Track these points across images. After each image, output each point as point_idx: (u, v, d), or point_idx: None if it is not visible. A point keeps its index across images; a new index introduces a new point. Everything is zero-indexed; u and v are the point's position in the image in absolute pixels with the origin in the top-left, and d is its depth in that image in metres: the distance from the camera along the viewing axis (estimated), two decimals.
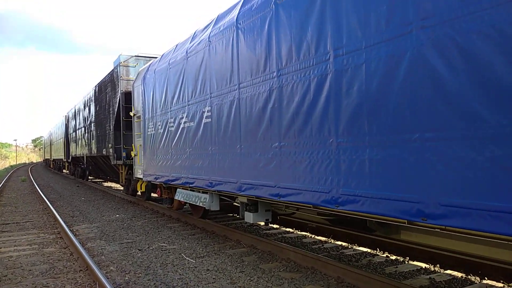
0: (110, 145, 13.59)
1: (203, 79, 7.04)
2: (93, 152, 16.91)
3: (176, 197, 8.49)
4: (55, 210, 11.32)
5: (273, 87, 5.18)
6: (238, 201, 7.20)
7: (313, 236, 7.44)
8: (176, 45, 8.75)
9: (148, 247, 7.11)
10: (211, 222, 8.60)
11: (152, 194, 12.98)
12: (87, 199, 14.94)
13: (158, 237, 7.95)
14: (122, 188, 18.64)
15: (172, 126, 8.39)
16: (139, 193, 13.44)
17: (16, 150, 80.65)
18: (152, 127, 9.53)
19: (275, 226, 8.71)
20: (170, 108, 8.47)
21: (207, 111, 6.91)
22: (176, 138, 8.16)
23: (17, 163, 66.10)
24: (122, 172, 12.75)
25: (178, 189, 8.52)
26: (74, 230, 8.80)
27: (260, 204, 6.01)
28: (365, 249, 6.46)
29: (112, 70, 13.05)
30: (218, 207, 7.18)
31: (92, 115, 17.05)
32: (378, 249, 6.33)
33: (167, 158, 8.63)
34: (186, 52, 7.70)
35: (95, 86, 16.20)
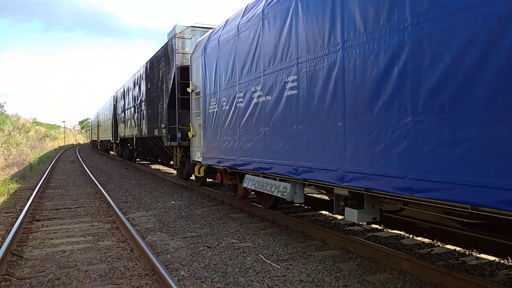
0: (163, 125, 12.63)
1: (286, 41, 5.71)
2: (143, 133, 16.10)
3: (244, 185, 7.30)
4: (107, 194, 10.51)
5: (404, 41, 3.77)
6: (329, 194, 5.90)
7: (435, 242, 5.88)
8: (246, 7, 7.44)
9: (218, 244, 5.98)
10: (282, 215, 7.37)
11: (208, 179, 11.95)
12: (137, 182, 14.18)
13: (225, 231, 6.82)
14: (173, 171, 17.85)
15: (242, 102, 7.15)
16: (192, 177, 12.45)
17: (65, 132, 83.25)
18: (215, 104, 8.36)
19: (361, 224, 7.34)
20: (239, 80, 7.22)
21: (292, 81, 5.59)
22: (247, 115, 6.92)
23: (65, 144, 68.08)
24: (176, 155, 11.75)
25: (246, 176, 7.32)
26: (130, 218, 7.85)
27: (367, 198, 4.68)
28: None
29: (166, 43, 11.97)
30: (303, 199, 5.91)
31: (142, 94, 16.19)
32: None
33: (234, 139, 7.43)
34: (263, 11, 6.38)
35: (146, 62, 15.25)
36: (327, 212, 8.28)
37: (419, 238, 6.07)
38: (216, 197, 10.17)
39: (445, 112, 3.37)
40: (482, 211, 3.23)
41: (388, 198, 4.55)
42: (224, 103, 7.89)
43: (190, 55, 9.98)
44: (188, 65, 10.91)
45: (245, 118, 7.01)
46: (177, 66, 11.06)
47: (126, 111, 20.68)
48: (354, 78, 4.43)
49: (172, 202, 9.89)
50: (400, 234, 6.38)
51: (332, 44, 4.78)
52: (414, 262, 4.57)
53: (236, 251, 5.61)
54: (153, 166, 21.31)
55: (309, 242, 6.03)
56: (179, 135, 11.19)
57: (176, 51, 10.98)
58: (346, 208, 4.80)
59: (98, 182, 13.47)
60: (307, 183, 5.70)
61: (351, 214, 4.69)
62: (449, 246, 5.61)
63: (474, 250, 5.27)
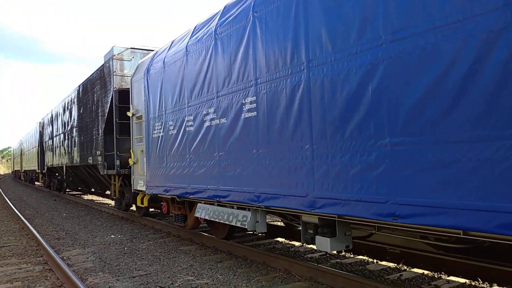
0: (98, 152, 11.68)
1: (243, 60, 5.40)
2: (75, 161, 14.85)
3: (197, 214, 6.75)
4: (35, 230, 9.34)
5: (378, 59, 3.60)
6: (294, 222, 5.56)
7: (402, 266, 5.69)
8: (194, 28, 7.08)
9: (172, 284, 5.36)
10: (238, 245, 6.91)
11: (151, 209, 11.14)
12: (69, 215, 12.90)
13: (177, 266, 6.20)
14: (109, 201, 16.61)
15: (191, 126, 6.68)
16: (133, 207, 11.57)
17: None
18: (160, 128, 7.78)
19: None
20: (188, 103, 6.76)
21: (250, 103, 5.27)
22: (198, 140, 6.46)
23: None
24: (115, 184, 10.85)
25: (199, 204, 6.79)
26: (65, 258, 6.92)
27: (339, 225, 4.40)
28: None
29: (103, 65, 11.18)
30: (265, 228, 5.51)
31: (74, 119, 15.00)
32: None
33: (184, 165, 6.90)
34: (215, 30, 6.05)
35: (79, 86, 14.19)
36: (283, 239, 7.94)
37: (384, 263, 5.90)
38: (161, 228, 9.43)
39: (433, 129, 3.19)
40: (473, 236, 3.05)
41: (360, 224, 4.31)
42: (171, 127, 7.36)
43: (130, 77, 9.36)
44: (127, 88, 10.23)
45: (196, 142, 6.53)
46: (115, 89, 10.33)
47: (55, 138, 19.11)
48: (321, 98, 4.20)
49: (112, 236, 8.99)
50: (364, 259, 6.18)
51: (295, 64, 4.54)
52: None
53: None
54: (86, 197, 19.78)
55: (273, 274, 5.62)
56: (117, 162, 10.36)
57: (114, 73, 10.26)
58: (317, 236, 4.48)
59: (23, 216, 12.04)
60: (269, 210, 5.33)
61: (323, 243, 4.37)
62: (416, 270, 5.48)
63: (442, 272, 5.18)
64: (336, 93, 4.02)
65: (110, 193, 11.94)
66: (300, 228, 4.85)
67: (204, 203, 6.68)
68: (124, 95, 10.33)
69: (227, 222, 5.89)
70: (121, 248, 7.73)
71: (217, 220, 6.16)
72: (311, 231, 4.67)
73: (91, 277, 5.74)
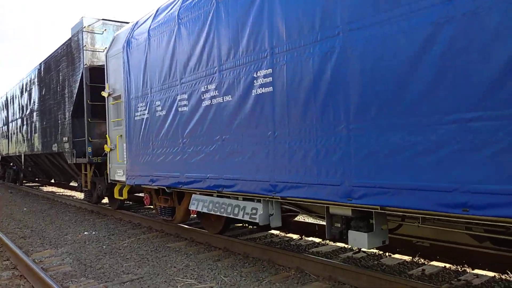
0: (65, 139, 10.49)
1: (254, 26, 4.61)
2: (36, 149, 13.46)
3: (192, 207, 5.94)
4: None
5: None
6: (315, 214, 4.88)
7: (431, 263, 5.13)
8: None
9: None
10: (236, 240, 6.18)
11: (123, 201, 10.15)
12: (31, 209, 11.66)
13: (171, 267, 5.40)
14: (73, 193, 15.31)
15: (185, 106, 5.83)
16: (105, 200, 10.53)
17: None
18: (144, 110, 6.86)
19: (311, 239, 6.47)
20: (181, 79, 5.90)
21: (264, 76, 4.50)
22: (195, 121, 5.63)
23: None
24: (86, 174, 9.74)
25: (194, 196, 5.98)
26: (37, 260, 5.93)
27: (377, 218, 3.75)
28: None
29: (70, 39, 9.94)
30: (280, 222, 4.79)
31: (34, 102, 13.56)
32: None
33: (176, 151, 6.05)
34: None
35: (40, 64, 12.76)
36: (278, 232, 7.28)
37: (397, 256, 5.34)
38: (140, 222, 8.52)
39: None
40: None
41: (392, 215, 3.70)
42: (159, 108, 6.46)
43: (104, 52, 8.28)
44: (100, 65, 9.15)
45: (191, 125, 5.70)
46: (85, 66, 9.19)
47: (10, 124, 17.44)
48: (363, 67, 3.51)
49: (86, 233, 8.01)
50: (374, 252, 5.62)
51: (326, 28, 3.81)
52: None
53: None
54: (46, 189, 18.31)
55: (284, 274, 4.94)
56: (89, 149, 9.29)
57: (84, 48, 9.11)
58: (350, 231, 3.81)
59: None
60: (286, 201, 4.61)
61: (359, 239, 3.72)
62: (436, 263, 4.96)
63: (466, 265, 4.70)
64: (387, 59, 3.34)
65: (78, 184, 10.81)
66: (312, 220, 4.18)
67: (200, 194, 5.87)
68: (96, 73, 9.22)
69: (231, 216, 5.13)
70: (99, 247, 6.80)
71: (217, 214, 5.39)
72: (339, 225, 4.01)
73: (73, 284, 4.84)
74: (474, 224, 3.33)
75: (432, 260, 5.12)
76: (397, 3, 3.25)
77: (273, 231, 7.35)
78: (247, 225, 7.79)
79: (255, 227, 7.66)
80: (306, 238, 6.70)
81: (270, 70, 4.42)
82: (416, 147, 3.18)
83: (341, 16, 3.69)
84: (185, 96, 5.82)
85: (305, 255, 5.10)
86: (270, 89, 4.41)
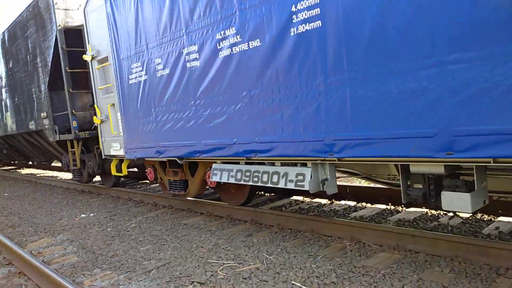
0: (43, 114, 9.33)
1: None
2: (9, 130, 12.18)
3: (214, 178, 5.11)
4: None
5: None
6: (375, 178, 4.16)
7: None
8: None
9: (213, 276, 3.82)
10: (262, 210, 5.45)
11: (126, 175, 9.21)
12: (12, 194, 10.58)
13: (198, 249, 4.65)
14: (56, 174, 14.18)
15: (196, 59, 4.89)
16: (97, 178, 9.57)
17: None
18: (140, 71, 5.87)
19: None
20: (187, 27, 4.92)
21: (307, 8, 3.60)
22: (211, 77, 4.72)
23: None
24: (73, 151, 8.70)
25: (215, 165, 5.15)
26: (35, 252, 5.07)
27: (479, 173, 3.04)
28: None
29: None
30: (336, 188, 4.04)
31: (1, 78, 12.12)
32: None
33: (187, 116, 5.16)
34: None
35: (3, 33, 11.24)
36: (301, 197, 6.58)
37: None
38: (142, 199, 7.67)
39: None
40: None
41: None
42: (160, 67, 5.49)
43: (83, 7, 7.08)
44: (77, 26, 7.96)
45: (206, 82, 4.79)
46: (59, 27, 7.96)
47: None
48: None
49: (82, 215, 7.12)
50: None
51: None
52: None
53: (258, 285, 3.53)
54: (23, 171, 17.07)
55: (337, 245, 4.26)
56: (74, 124, 8.22)
57: (55, 7, 7.84)
58: (445, 192, 3.09)
59: None
60: (342, 163, 3.84)
61: (459, 201, 3.01)
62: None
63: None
64: None
65: (63, 163, 9.76)
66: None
67: (223, 162, 5.05)
68: (72, 36, 8.03)
69: (267, 185, 4.34)
70: (103, 230, 5.97)
71: (249, 184, 4.59)
72: (420, 186, 3.29)
73: (86, 279, 4.03)
74: None
75: (498, 216, 4.54)
76: None
77: (295, 197, 6.66)
78: (263, 192, 7.07)
79: (272, 194, 6.96)
80: (338, 202, 6.04)
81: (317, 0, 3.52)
82: None
83: None
84: (195, 48, 4.87)
85: (357, 222, 4.42)
86: (317, 24, 3.53)
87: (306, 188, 3.90)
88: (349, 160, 3.57)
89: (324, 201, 6.22)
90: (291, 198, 6.63)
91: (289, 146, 3.95)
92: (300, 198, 6.57)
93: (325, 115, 3.58)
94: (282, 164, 4.30)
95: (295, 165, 4.18)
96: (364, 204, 5.77)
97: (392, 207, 5.42)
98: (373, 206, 5.63)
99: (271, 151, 4.16)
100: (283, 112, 3.95)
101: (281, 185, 4.18)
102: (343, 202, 6.02)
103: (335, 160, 3.65)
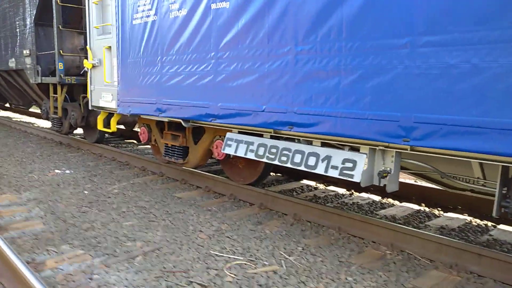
0: (26, 52, 8.16)
1: None
2: None
3: (227, 150, 4.17)
4: None
5: None
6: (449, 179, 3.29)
7: None
8: None
9: (219, 275, 2.93)
10: (277, 195, 4.55)
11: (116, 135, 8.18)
12: None
13: (196, 232, 3.77)
14: (34, 121, 12.94)
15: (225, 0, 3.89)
16: (78, 131, 8.50)
17: None
18: (149, 9, 4.83)
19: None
20: None
21: None
22: (242, 24, 3.73)
23: None
24: (55, 97, 7.60)
25: (229, 135, 4.20)
26: None
27: None
28: None
29: None
30: (397, 184, 3.13)
31: None
32: None
33: (203, 70, 4.18)
34: None
35: None
36: (312, 183, 5.71)
37: None
38: (128, 161, 6.69)
39: None
40: None
41: None
42: (175, 6, 4.46)
43: None
44: None
45: (235, 30, 3.80)
46: None
47: None
48: None
49: (57, 171, 6.13)
50: None
51: None
52: None
53: None
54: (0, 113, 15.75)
55: (373, 251, 3.41)
56: (60, 66, 7.11)
57: None
58: None
59: None
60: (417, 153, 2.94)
61: None
62: None
63: None
64: None
65: (43, 110, 8.64)
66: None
67: (240, 132, 4.11)
68: None
69: (300, 168, 3.43)
70: (79, 192, 5.01)
71: (273, 163, 3.67)
72: None
73: (50, 258, 3.11)
74: None
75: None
76: None
77: (306, 181, 5.77)
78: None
79: (278, 174, 6.08)
80: (358, 194, 5.20)
81: None
82: None
83: None
84: None
85: (400, 227, 3.55)
86: None
87: (356, 179, 3.01)
88: (430, 152, 2.67)
89: (341, 190, 5.37)
90: (302, 181, 5.76)
91: (343, 123, 3.02)
92: (312, 183, 5.71)
93: (407, 88, 2.66)
94: (323, 145, 3.39)
95: (339, 147, 3.28)
96: (391, 200, 4.94)
97: (427, 209, 4.61)
98: (402, 204, 4.80)
99: (314, 126, 3.23)
100: (341, 78, 3.01)
101: (319, 170, 3.27)
102: (364, 195, 5.17)
103: (406, 149, 2.76)
